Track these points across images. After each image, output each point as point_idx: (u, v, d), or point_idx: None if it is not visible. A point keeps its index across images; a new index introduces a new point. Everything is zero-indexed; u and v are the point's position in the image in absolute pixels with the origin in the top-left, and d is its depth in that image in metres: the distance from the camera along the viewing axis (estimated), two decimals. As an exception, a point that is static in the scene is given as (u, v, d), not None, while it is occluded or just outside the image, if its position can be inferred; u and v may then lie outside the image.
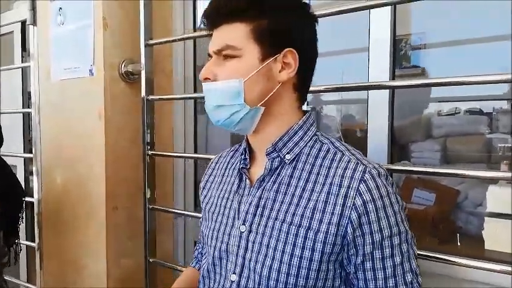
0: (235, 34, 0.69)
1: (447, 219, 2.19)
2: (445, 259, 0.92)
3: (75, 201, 1.56)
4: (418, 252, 0.92)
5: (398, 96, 1.31)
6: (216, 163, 0.90)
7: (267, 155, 0.74)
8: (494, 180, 2.16)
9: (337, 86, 1.07)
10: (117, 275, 1.48)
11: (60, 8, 1.54)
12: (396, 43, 1.18)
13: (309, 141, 0.74)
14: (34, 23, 1.67)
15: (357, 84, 1.04)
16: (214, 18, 0.71)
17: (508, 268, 0.82)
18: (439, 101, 2.85)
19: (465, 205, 2.24)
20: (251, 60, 0.69)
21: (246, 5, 0.68)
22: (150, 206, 1.45)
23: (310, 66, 0.76)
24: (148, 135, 1.44)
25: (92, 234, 1.50)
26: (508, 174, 0.86)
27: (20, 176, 2.26)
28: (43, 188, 1.70)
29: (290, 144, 0.73)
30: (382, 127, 1.15)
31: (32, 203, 1.73)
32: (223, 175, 0.85)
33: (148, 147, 1.44)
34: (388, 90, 1.14)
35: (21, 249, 1.61)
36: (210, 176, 0.89)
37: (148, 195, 1.45)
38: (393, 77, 1.15)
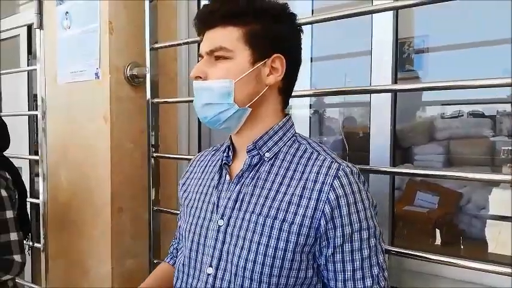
0: (228, 36, 0.73)
1: (450, 222, 2.19)
2: (444, 261, 0.92)
3: (80, 202, 1.58)
4: (418, 253, 0.93)
5: (399, 100, 1.32)
6: (197, 161, 0.93)
7: (247, 152, 0.78)
8: (497, 183, 2.16)
9: (340, 89, 1.08)
10: (121, 275, 1.50)
11: (67, 12, 1.56)
12: (399, 46, 1.19)
13: (288, 141, 0.79)
14: (41, 26, 1.69)
15: (359, 88, 1.05)
16: (209, 20, 0.75)
17: (507, 270, 0.83)
18: (442, 104, 2.85)
19: (468, 208, 2.24)
20: (242, 62, 0.73)
21: (240, 10, 0.73)
22: (155, 208, 1.46)
23: (295, 72, 0.81)
24: (153, 137, 1.46)
25: (97, 235, 1.52)
26: (508, 177, 0.86)
27: (26, 177, 2.29)
28: (49, 189, 1.72)
29: (270, 143, 0.78)
30: (384, 130, 1.16)
31: (37, 205, 1.75)
32: (203, 172, 0.88)
33: (153, 149, 1.46)
34: (390, 94, 1.15)
35: (30, 248, 1.62)
36: (190, 173, 0.92)
37: (152, 197, 1.46)
38: (396, 80, 1.16)
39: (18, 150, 2.31)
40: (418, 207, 2.17)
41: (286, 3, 0.78)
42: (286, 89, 0.80)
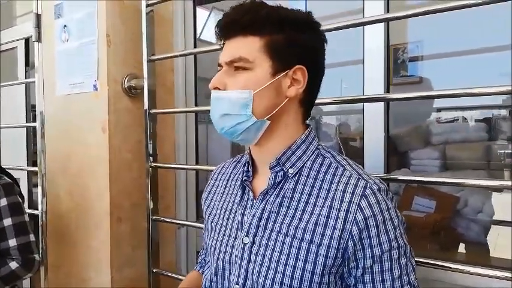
0: (248, 47, 0.71)
1: (448, 226, 2.20)
2: (445, 266, 0.94)
3: (79, 213, 1.59)
4: (418, 259, 0.94)
5: (397, 104, 1.33)
6: (218, 174, 0.91)
7: (270, 168, 0.75)
8: (495, 188, 2.17)
9: (334, 99, 1.10)
10: (121, 285, 1.50)
11: (65, 26, 1.58)
12: (390, 55, 1.21)
13: (311, 155, 0.76)
14: (39, 39, 1.71)
15: (352, 97, 1.07)
16: (230, 30, 0.73)
17: (507, 274, 0.84)
18: (437, 110, 2.88)
19: (465, 212, 2.25)
20: (262, 73, 0.71)
21: (262, 20, 0.70)
22: (153, 217, 1.47)
23: (317, 83, 0.78)
24: (151, 147, 1.47)
25: (96, 245, 1.52)
26: (508, 183, 0.87)
27: (24, 188, 2.29)
28: (47, 200, 1.72)
29: (293, 159, 0.75)
30: (378, 137, 1.17)
31: (36, 215, 1.75)
32: (225, 186, 0.86)
33: (151, 159, 1.47)
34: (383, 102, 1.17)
35: None
36: (212, 187, 0.90)
37: (151, 206, 1.47)
38: (388, 89, 1.18)
39: (16, 161, 2.32)
40: (416, 211, 2.18)
41: (310, 12, 0.75)
42: (307, 100, 0.77)
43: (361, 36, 1.22)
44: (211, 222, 0.85)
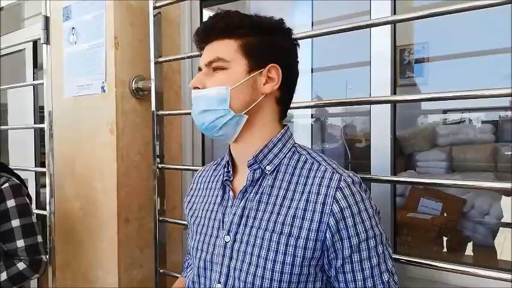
0: (225, 48, 0.76)
1: (454, 228, 2.19)
2: (448, 268, 0.93)
3: (87, 213, 1.60)
4: (413, 258, 0.94)
5: (401, 106, 1.33)
6: (199, 177, 0.94)
7: (248, 166, 0.79)
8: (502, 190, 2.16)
9: (340, 100, 1.10)
10: (128, 285, 1.51)
11: (73, 28, 1.60)
12: (397, 57, 1.21)
13: (288, 152, 0.80)
14: (47, 41, 1.73)
15: (358, 99, 1.08)
16: (208, 34, 0.78)
17: (507, 276, 0.84)
18: (443, 112, 2.87)
19: (472, 214, 2.24)
20: (238, 71, 0.76)
21: (236, 24, 0.76)
22: (160, 218, 1.48)
23: (292, 83, 0.82)
24: (158, 148, 1.48)
25: (104, 246, 1.54)
26: (508, 185, 0.86)
27: (32, 189, 2.31)
28: (55, 201, 1.74)
29: (270, 156, 0.78)
30: (385, 139, 1.17)
31: (44, 216, 1.77)
32: (206, 188, 0.89)
33: (158, 160, 1.48)
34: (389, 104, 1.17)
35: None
36: (194, 190, 0.93)
37: (158, 207, 1.48)
38: (395, 90, 1.18)
39: (24, 162, 2.34)
40: (422, 213, 2.18)
41: (282, 19, 0.80)
42: (283, 99, 0.81)
43: (368, 37, 1.22)
44: (193, 223, 0.88)
